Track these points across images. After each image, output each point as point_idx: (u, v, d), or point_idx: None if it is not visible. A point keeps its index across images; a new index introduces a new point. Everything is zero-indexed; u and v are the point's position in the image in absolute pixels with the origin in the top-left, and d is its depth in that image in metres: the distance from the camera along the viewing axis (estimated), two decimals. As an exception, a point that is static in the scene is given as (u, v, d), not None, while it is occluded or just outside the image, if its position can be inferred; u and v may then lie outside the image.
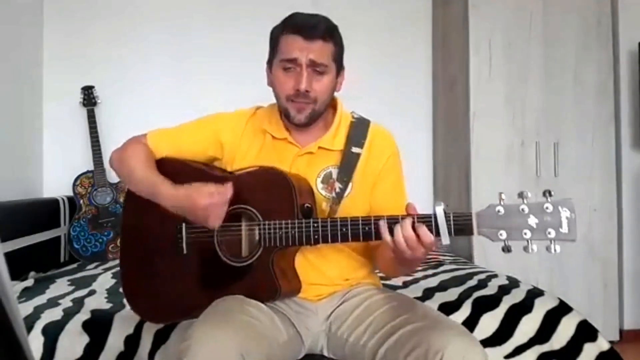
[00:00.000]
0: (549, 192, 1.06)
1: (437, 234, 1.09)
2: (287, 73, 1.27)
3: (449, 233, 1.08)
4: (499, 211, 1.07)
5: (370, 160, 1.32)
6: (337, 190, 1.27)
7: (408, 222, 1.08)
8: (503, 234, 1.07)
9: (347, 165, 1.29)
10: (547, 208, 1.05)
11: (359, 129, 1.34)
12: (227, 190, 1.17)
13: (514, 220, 1.06)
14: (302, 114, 1.28)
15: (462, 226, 1.08)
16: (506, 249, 1.07)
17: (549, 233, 1.04)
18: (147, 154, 1.34)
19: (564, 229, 1.04)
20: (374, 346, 1.14)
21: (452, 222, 1.08)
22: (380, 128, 1.39)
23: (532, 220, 1.05)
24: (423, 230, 1.08)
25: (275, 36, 1.30)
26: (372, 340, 1.15)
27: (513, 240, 1.07)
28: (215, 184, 1.19)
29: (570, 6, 2.75)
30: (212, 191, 1.17)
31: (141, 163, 1.31)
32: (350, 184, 1.29)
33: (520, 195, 1.07)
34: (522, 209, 1.06)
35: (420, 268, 2.24)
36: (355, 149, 1.31)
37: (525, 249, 1.07)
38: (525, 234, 1.05)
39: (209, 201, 1.16)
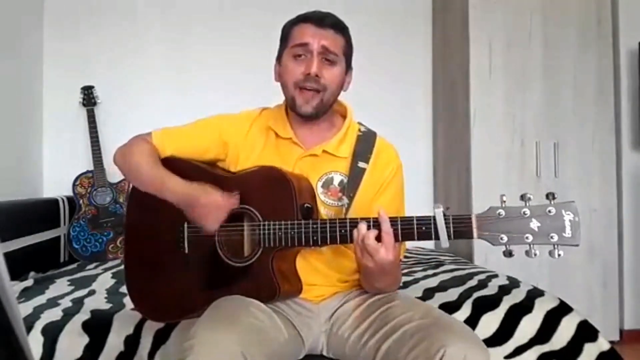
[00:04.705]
0: (552, 195, 1.02)
1: (437, 237, 1.07)
2: (297, 60, 1.27)
3: (448, 237, 1.06)
4: (500, 214, 1.03)
5: (374, 174, 1.32)
6: (346, 206, 1.26)
7: (363, 226, 1.09)
8: (504, 238, 1.03)
9: (354, 179, 1.29)
10: (549, 211, 1.01)
11: (365, 143, 1.34)
12: (234, 198, 1.18)
13: (515, 224, 1.03)
14: (309, 103, 1.27)
15: (461, 230, 1.06)
16: (507, 254, 1.04)
17: (552, 237, 1.01)
18: (152, 151, 1.34)
19: (567, 233, 1.01)
20: (376, 344, 1.14)
21: (451, 226, 1.06)
22: (385, 142, 1.39)
23: (535, 224, 1.01)
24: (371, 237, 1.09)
25: (286, 29, 1.32)
26: (374, 338, 1.15)
27: (515, 244, 1.03)
28: (224, 191, 1.19)
29: (570, 6, 2.75)
30: (218, 194, 1.18)
31: (147, 159, 1.31)
32: (355, 198, 1.28)
33: (522, 197, 1.03)
34: (524, 212, 1.02)
35: (420, 268, 2.24)
36: (361, 164, 1.31)
37: (528, 253, 1.03)
38: (527, 238, 1.02)
39: (210, 200, 1.16)
